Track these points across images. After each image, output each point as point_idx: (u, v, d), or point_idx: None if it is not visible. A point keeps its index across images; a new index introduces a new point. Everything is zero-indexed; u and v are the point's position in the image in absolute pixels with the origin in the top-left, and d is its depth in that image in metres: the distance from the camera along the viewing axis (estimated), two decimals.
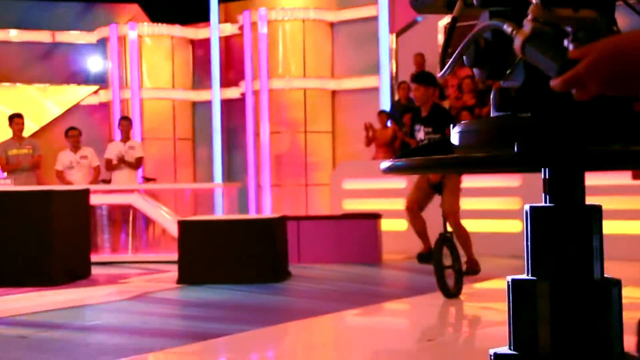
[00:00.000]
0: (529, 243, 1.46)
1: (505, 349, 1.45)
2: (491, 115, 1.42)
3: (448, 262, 5.85)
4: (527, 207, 1.48)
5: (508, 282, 1.47)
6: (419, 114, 5.97)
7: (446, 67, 1.41)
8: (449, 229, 5.92)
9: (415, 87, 5.97)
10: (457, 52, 1.40)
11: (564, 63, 1.15)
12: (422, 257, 6.10)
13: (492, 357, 1.44)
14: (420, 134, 5.90)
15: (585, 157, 1.34)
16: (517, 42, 1.24)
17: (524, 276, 1.46)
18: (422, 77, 6.09)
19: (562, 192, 1.45)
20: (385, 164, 1.49)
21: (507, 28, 1.28)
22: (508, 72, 1.40)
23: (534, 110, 1.36)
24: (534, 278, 1.43)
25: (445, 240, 5.85)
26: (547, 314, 1.39)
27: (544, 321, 1.39)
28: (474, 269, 6.10)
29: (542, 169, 1.46)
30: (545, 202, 1.47)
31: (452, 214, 5.89)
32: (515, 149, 1.32)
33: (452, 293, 5.81)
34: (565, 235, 1.42)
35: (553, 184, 1.45)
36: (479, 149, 1.37)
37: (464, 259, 6.07)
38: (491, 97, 1.41)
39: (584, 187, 1.47)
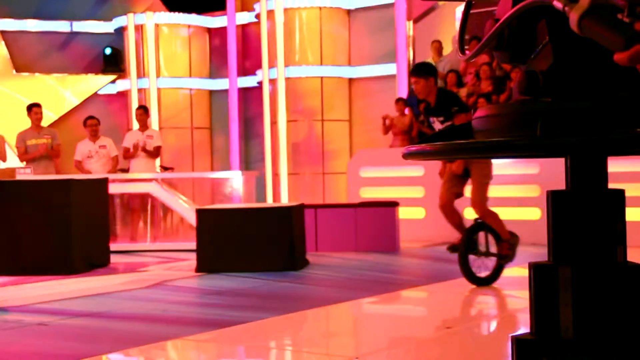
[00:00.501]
0: (550, 228, 1.45)
1: (526, 335, 1.44)
2: (517, 99, 1.40)
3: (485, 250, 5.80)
4: (548, 192, 1.47)
5: (530, 267, 1.46)
6: (429, 106, 5.83)
7: (476, 49, 1.39)
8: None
9: (414, 80, 5.76)
10: (491, 32, 1.36)
11: (631, 36, 1.10)
12: (453, 248, 6.02)
13: (513, 342, 1.43)
14: (437, 125, 5.83)
15: (607, 142, 1.33)
16: (573, 17, 1.17)
17: (545, 261, 1.45)
18: (420, 68, 5.89)
19: (583, 177, 1.44)
20: (407, 149, 1.48)
21: (557, 3, 1.21)
22: (532, 55, 1.38)
23: (557, 95, 1.34)
24: (556, 263, 1.42)
25: (481, 227, 5.79)
26: (569, 299, 1.38)
27: (566, 306, 1.38)
28: (512, 246, 5.84)
29: (564, 154, 1.44)
30: (567, 187, 1.45)
31: (476, 204, 5.78)
32: (537, 133, 1.31)
33: (479, 279, 5.72)
34: (587, 219, 1.41)
35: (575, 169, 1.43)
36: (500, 134, 1.36)
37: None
38: (518, 80, 1.39)
39: (606, 172, 1.45)
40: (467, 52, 1.49)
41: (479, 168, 5.76)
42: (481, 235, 5.79)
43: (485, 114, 1.41)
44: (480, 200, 5.74)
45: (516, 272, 6.69)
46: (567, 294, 1.39)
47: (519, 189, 9.00)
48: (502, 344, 3.96)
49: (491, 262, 5.81)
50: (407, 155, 1.48)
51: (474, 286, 5.79)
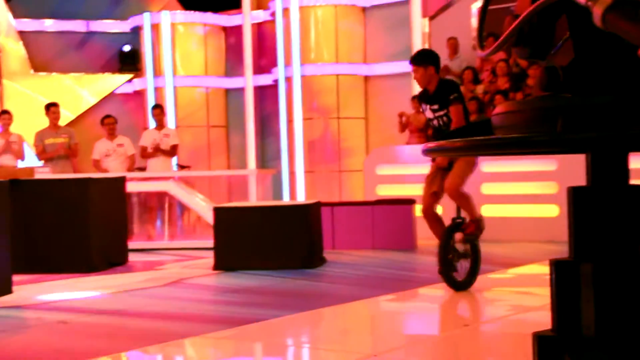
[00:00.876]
0: (571, 225, 1.44)
1: (548, 332, 1.44)
2: (536, 95, 1.40)
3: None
4: (569, 188, 1.46)
5: (551, 264, 1.45)
6: (427, 93, 5.59)
7: (496, 44, 1.38)
8: (463, 214, 5.54)
9: (414, 68, 5.53)
10: (512, 28, 1.35)
11: None
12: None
13: (535, 340, 1.42)
14: (428, 113, 5.60)
15: (628, 138, 1.32)
16: (597, 12, 1.15)
17: (566, 258, 1.44)
18: (419, 57, 5.61)
19: (604, 173, 1.43)
20: (426, 146, 1.48)
21: None
22: (552, 51, 1.37)
23: (578, 91, 1.33)
24: (577, 260, 1.41)
25: (457, 227, 5.50)
26: (590, 296, 1.38)
27: (588, 303, 1.38)
28: (479, 228, 5.50)
29: (585, 150, 1.44)
30: (588, 183, 1.45)
31: (451, 186, 5.41)
32: (557, 130, 1.30)
33: (459, 283, 5.47)
34: (609, 216, 1.40)
35: (596, 165, 1.43)
36: (521, 130, 1.35)
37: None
38: (537, 76, 1.38)
39: (628, 168, 1.45)
40: (485, 48, 1.48)
41: (464, 159, 5.44)
42: (458, 235, 5.54)
43: (505, 110, 1.41)
44: (456, 183, 5.41)
45: (534, 270, 6.66)
46: (589, 291, 1.38)
47: (536, 186, 8.96)
48: (521, 341, 3.94)
49: (467, 263, 5.56)
50: (427, 152, 1.48)
51: (491, 284, 5.77)
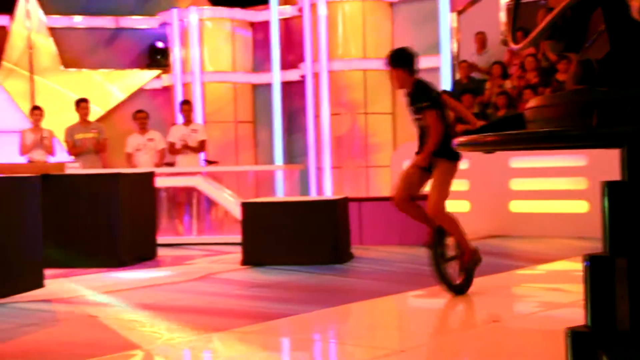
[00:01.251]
0: (605, 220, 1.43)
1: (581, 327, 1.42)
2: (570, 88, 1.38)
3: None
4: (603, 183, 1.44)
5: (585, 259, 1.44)
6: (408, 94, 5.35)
7: (531, 38, 1.37)
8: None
9: (388, 70, 5.23)
10: (547, 21, 1.34)
11: None
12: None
13: (568, 335, 1.41)
14: (410, 114, 5.38)
15: None
16: (635, 4, 1.15)
17: (601, 253, 1.42)
18: (392, 58, 5.25)
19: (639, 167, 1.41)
20: (458, 140, 1.47)
21: None
22: (587, 44, 1.36)
23: (614, 84, 1.32)
24: (612, 255, 1.40)
25: (442, 234, 5.22)
26: (625, 291, 1.36)
27: (622, 298, 1.36)
28: (474, 260, 5.25)
29: (621, 144, 1.42)
30: (623, 178, 1.43)
31: (432, 203, 5.15)
32: (593, 123, 1.29)
33: (456, 287, 5.19)
34: None
35: (632, 159, 1.41)
36: (555, 124, 1.34)
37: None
38: (572, 69, 1.37)
39: None
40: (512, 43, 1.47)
41: (444, 165, 5.20)
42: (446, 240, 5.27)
43: (539, 104, 1.39)
44: (436, 201, 5.13)
45: (564, 266, 6.61)
46: (624, 286, 1.37)
47: (565, 182, 8.88)
48: (551, 338, 3.91)
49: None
50: (459, 146, 1.47)
51: (520, 280, 5.72)
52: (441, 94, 5.51)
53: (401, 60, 5.20)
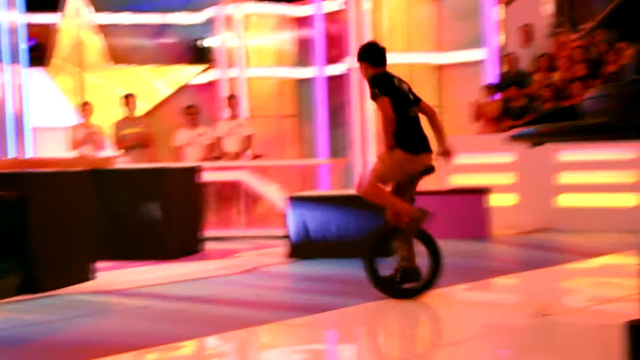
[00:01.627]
0: None
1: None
2: (629, 78, 1.37)
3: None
4: None
5: None
6: None
7: (590, 27, 1.37)
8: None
9: (359, 63, 5.24)
10: (606, 11, 1.33)
11: None
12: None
13: (629, 328, 1.40)
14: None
15: None
16: None
17: None
18: (358, 52, 5.27)
19: None
20: (512, 132, 1.47)
21: None
22: None
23: None
24: None
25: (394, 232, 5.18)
26: None
27: None
28: (416, 219, 5.19)
29: None
30: None
31: (363, 193, 5.11)
32: None
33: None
34: None
35: None
36: (613, 115, 1.33)
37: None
38: (629, 59, 1.36)
39: None
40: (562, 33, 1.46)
41: (397, 153, 5.09)
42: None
43: (596, 95, 1.38)
44: (372, 180, 5.04)
45: (613, 260, 6.52)
46: None
47: (613, 175, 8.74)
48: (602, 332, 3.87)
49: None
50: (514, 138, 1.47)
51: (570, 274, 5.65)
52: (408, 92, 5.37)
53: (362, 54, 5.27)
